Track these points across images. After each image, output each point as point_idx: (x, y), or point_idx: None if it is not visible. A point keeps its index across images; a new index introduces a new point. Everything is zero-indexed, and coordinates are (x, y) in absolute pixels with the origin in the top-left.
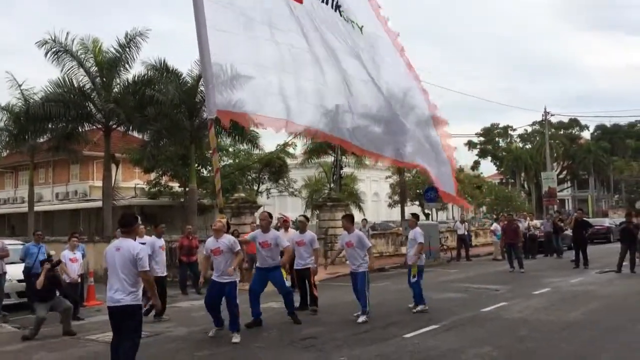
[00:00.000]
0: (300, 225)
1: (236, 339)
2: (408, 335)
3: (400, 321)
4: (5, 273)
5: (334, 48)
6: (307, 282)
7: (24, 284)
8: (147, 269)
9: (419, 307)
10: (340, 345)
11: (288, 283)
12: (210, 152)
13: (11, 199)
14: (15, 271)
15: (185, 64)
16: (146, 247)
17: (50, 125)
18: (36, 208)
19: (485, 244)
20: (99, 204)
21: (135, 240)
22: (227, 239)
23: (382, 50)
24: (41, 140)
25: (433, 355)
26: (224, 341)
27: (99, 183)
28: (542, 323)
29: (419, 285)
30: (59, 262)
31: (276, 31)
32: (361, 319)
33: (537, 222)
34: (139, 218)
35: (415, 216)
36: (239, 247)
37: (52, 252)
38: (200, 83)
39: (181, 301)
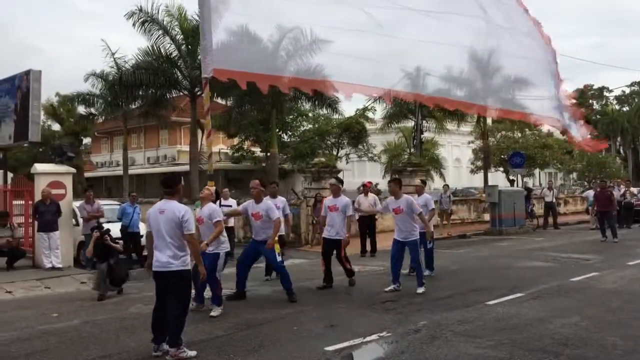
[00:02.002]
0: (333, 189)
1: (215, 312)
2: (491, 303)
3: (483, 288)
4: None
5: (411, 8)
6: (337, 255)
7: (121, 241)
8: (193, 231)
9: (427, 272)
10: (421, 310)
11: (279, 258)
12: (291, 117)
13: (107, 162)
14: (113, 229)
15: (267, 29)
16: (191, 210)
17: (140, 92)
18: (130, 171)
19: (575, 212)
20: (187, 167)
21: (179, 201)
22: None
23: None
24: (133, 106)
25: (517, 323)
26: (309, 300)
27: (186, 148)
28: (636, 295)
29: (432, 252)
30: (108, 230)
31: None
32: (420, 290)
33: (634, 190)
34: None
35: (422, 182)
36: (218, 218)
37: (103, 220)
38: (280, 47)
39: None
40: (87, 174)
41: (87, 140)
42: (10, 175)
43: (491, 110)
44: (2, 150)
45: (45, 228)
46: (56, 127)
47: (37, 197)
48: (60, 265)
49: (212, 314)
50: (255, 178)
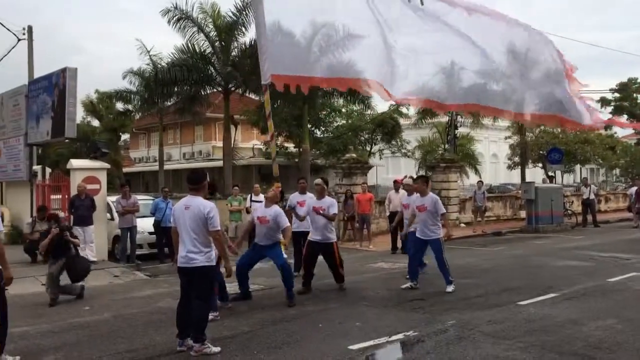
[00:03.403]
0: (317, 189)
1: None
2: (523, 303)
3: (515, 288)
4: (135, 226)
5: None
6: (327, 260)
7: (154, 236)
8: (218, 228)
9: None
10: (449, 309)
11: (286, 256)
12: (324, 113)
13: (144, 158)
14: (146, 224)
15: (300, 25)
16: (216, 206)
17: (176, 89)
18: (166, 166)
19: (617, 209)
20: (220, 163)
21: (205, 197)
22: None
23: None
24: (168, 103)
25: (549, 324)
26: (334, 298)
27: (220, 143)
28: None
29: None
30: (70, 227)
31: None
32: (449, 288)
33: None
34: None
35: (424, 179)
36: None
37: (62, 215)
38: (313, 42)
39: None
40: (125, 169)
41: (125, 136)
42: (48, 170)
43: (526, 115)
44: (41, 146)
45: (80, 222)
46: (95, 123)
47: (73, 191)
48: (94, 259)
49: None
50: (288, 173)
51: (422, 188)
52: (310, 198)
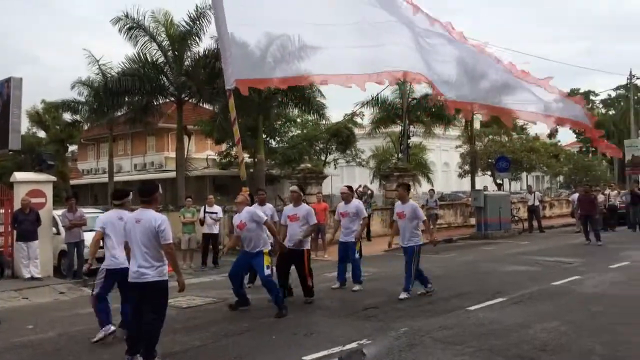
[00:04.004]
0: (293, 197)
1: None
2: (472, 308)
3: (465, 293)
4: (83, 240)
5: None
6: (299, 266)
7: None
8: (170, 241)
9: (357, 287)
10: (402, 316)
11: (267, 272)
12: (278, 123)
13: (93, 169)
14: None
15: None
16: (166, 219)
17: (127, 99)
18: (116, 178)
19: (561, 215)
20: (173, 174)
21: (156, 210)
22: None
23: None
24: (119, 113)
25: (497, 328)
26: (290, 309)
27: (173, 154)
28: (617, 298)
29: (359, 262)
30: None
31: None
32: (402, 295)
33: (609, 192)
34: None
35: (350, 188)
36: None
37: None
38: (268, 54)
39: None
40: (73, 182)
41: (73, 148)
42: None
43: (476, 105)
44: None
45: (24, 237)
46: (41, 134)
47: (17, 205)
48: (39, 275)
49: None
50: (243, 184)
51: (402, 194)
52: (269, 209)
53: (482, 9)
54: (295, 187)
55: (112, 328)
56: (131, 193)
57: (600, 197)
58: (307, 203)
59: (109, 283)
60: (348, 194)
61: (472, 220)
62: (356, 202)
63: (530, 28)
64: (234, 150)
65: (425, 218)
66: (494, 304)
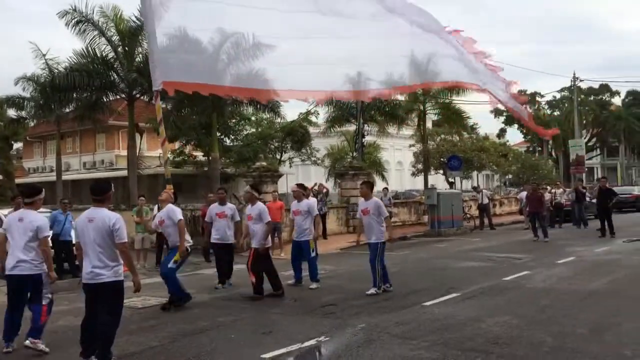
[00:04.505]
0: (247, 197)
1: None
2: (427, 304)
3: (420, 290)
4: None
5: (351, 15)
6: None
7: (52, 250)
8: (125, 240)
9: (315, 285)
10: (359, 313)
11: (172, 265)
12: (233, 121)
13: (40, 168)
14: None
15: (207, 32)
16: (120, 217)
17: (75, 95)
18: (64, 177)
19: (510, 212)
20: (125, 173)
21: (109, 209)
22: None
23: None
24: (67, 110)
25: (452, 323)
26: (246, 307)
27: (125, 152)
28: (564, 292)
29: (315, 260)
30: None
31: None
32: (370, 291)
33: (555, 190)
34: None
35: (301, 186)
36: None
37: None
38: (222, 50)
39: (204, 268)
40: (18, 180)
41: (18, 145)
42: None
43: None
44: None
45: None
46: None
47: None
48: None
49: None
50: (197, 182)
51: (365, 192)
52: (230, 209)
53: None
54: (248, 188)
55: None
56: (43, 190)
57: (547, 195)
58: (264, 202)
59: (9, 287)
60: (299, 192)
61: (426, 218)
62: (308, 201)
63: (473, 32)
64: (187, 149)
65: (387, 214)
66: (448, 300)
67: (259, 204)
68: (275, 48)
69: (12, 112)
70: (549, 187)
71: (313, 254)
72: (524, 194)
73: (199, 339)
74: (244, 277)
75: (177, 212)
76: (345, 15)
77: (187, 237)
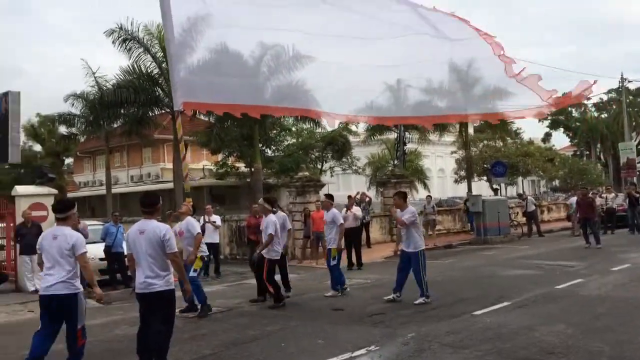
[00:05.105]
0: (260, 209)
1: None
2: (477, 313)
3: (469, 298)
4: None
5: (383, 21)
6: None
7: (105, 262)
8: (175, 250)
9: (332, 292)
10: (408, 322)
11: (193, 273)
12: (274, 132)
13: (90, 182)
14: (96, 250)
15: (248, 45)
16: (170, 228)
17: (122, 111)
18: (113, 190)
19: (559, 219)
20: (171, 185)
21: (159, 220)
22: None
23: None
24: (115, 125)
25: (504, 332)
26: (293, 317)
27: (170, 165)
28: (620, 300)
29: (338, 269)
30: None
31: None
32: (418, 300)
33: (606, 195)
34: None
35: (329, 197)
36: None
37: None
38: (261, 64)
39: (250, 278)
40: (70, 194)
41: (69, 161)
42: None
43: (472, 116)
44: None
45: (27, 251)
46: (37, 147)
47: (19, 219)
48: None
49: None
50: (240, 193)
51: (399, 202)
52: (281, 217)
53: (469, 16)
54: (261, 201)
55: None
56: (76, 205)
57: (599, 200)
58: (309, 211)
59: (42, 308)
60: (326, 203)
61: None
62: (333, 211)
63: (515, 34)
64: (230, 160)
65: (409, 221)
66: (499, 308)
67: (271, 217)
68: (314, 58)
69: (63, 129)
70: (600, 189)
71: (334, 262)
72: (573, 199)
73: (250, 348)
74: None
75: (197, 226)
76: (382, 20)
77: (203, 247)
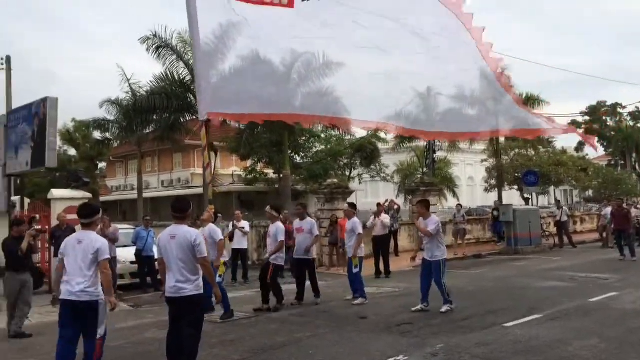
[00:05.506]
0: (268, 216)
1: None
2: (508, 325)
3: (500, 309)
4: (115, 257)
5: (413, 29)
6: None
7: (136, 265)
8: (206, 255)
9: (359, 300)
10: (437, 332)
11: (218, 279)
12: (303, 138)
13: (122, 186)
14: (127, 254)
15: (279, 53)
16: (200, 233)
17: (155, 117)
18: (144, 195)
19: (592, 230)
20: (200, 190)
21: (189, 225)
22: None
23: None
24: (147, 131)
25: (536, 345)
26: (321, 324)
27: (200, 170)
28: None
29: (359, 277)
30: (43, 231)
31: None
32: (444, 308)
33: None
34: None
35: (352, 206)
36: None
37: (37, 217)
38: (292, 71)
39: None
40: (102, 198)
41: (102, 165)
42: (27, 201)
43: (504, 130)
44: (19, 177)
45: None
46: (72, 152)
47: (54, 222)
48: None
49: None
50: (268, 199)
51: (422, 211)
52: (309, 223)
53: (506, 25)
54: (268, 208)
55: None
56: (101, 210)
57: (634, 212)
58: (336, 218)
59: (63, 314)
60: (349, 212)
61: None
62: (354, 219)
63: (551, 41)
64: (258, 166)
65: (432, 229)
66: (531, 321)
67: (278, 224)
68: (345, 65)
69: (97, 134)
70: (635, 200)
71: (356, 270)
72: (608, 210)
73: (279, 355)
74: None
75: (219, 233)
76: (410, 30)
77: (226, 253)
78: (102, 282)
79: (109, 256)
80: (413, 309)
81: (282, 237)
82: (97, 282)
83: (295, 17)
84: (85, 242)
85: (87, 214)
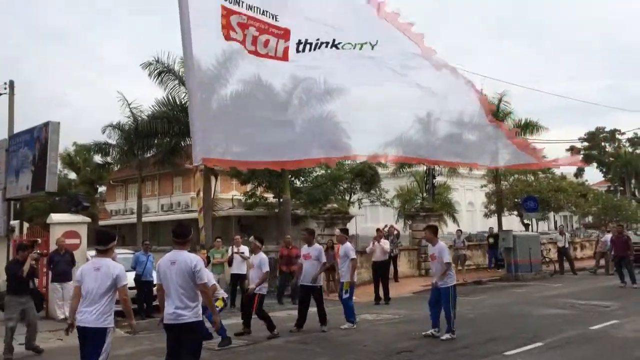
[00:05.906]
0: (252, 247)
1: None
2: (509, 353)
3: (501, 337)
4: None
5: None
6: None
7: (135, 291)
8: (206, 281)
9: (346, 325)
10: None
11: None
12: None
13: (121, 210)
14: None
15: (280, 78)
16: (200, 259)
17: (155, 141)
18: (143, 219)
19: (592, 257)
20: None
21: (189, 251)
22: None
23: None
24: (148, 155)
25: None
26: (319, 352)
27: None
28: None
29: (349, 302)
30: (44, 254)
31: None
32: (445, 336)
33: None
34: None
35: (344, 231)
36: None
37: (39, 240)
38: (294, 95)
39: (277, 311)
40: (101, 222)
41: (102, 189)
42: (26, 225)
43: (499, 164)
44: (19, 200)
45: (59, 278)
46: (72, 175)
47: (53, 247)
48: None
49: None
50: (268, 224)
51: (430, 237)
52: (316, 250)
53: (498, 49)
54: (252, 238)
55: None
56: (117, 237)
57: (634, 238)
58: (332, 243)
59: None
60: (341, 237)
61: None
62: (346, 244)
63: (548, 67)
64: (259, 190)
65: (449, 260)
66: (532, 349)
67: (261, 254)
68: (345, 90)
69: (97, 158)
70: (635, 227)
71: (346, 295)
72: (608, 236)
73: None
74: (314, 319)
75: (211, 277)
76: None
77: (220, 291)
78: (122, 307)
79: (127, 282)
80: (423, 333)
81: (266, 268)
82: (110, 309)
83: (292, 68)
84: (103, 269)
85: (105, 241)
